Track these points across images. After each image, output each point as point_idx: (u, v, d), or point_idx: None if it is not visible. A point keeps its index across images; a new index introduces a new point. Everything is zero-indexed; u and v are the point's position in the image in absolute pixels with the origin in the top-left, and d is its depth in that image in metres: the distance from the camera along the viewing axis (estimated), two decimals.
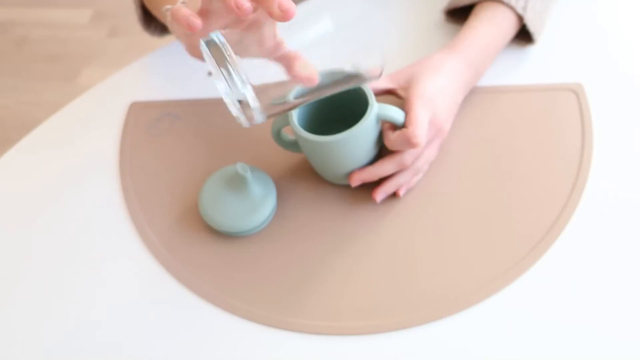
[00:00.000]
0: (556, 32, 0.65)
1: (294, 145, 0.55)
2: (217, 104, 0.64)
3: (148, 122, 0.63)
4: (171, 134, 0.62)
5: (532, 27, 0.60)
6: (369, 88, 0.51)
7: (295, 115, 0.51)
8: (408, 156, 0.52)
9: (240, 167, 0.51)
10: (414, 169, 0.53)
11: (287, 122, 0.51)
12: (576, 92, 0.55)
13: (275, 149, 0.58)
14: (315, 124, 0.53)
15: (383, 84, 0.55)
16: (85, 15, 1.90)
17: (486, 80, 0.59)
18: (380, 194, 0.54)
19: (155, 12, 0.64)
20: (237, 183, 0.52)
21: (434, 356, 0.46)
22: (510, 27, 0.60)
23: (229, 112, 0.62)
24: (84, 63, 1.77)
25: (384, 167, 0.52)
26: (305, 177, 0.57)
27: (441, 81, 0.54)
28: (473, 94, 0.59)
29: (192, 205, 0.56)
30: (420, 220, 0.53)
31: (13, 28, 1.90)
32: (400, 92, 0.55)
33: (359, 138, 0.50)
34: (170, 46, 0.70)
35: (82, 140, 0.63)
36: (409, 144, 0.49)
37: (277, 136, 0.54)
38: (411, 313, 0.48)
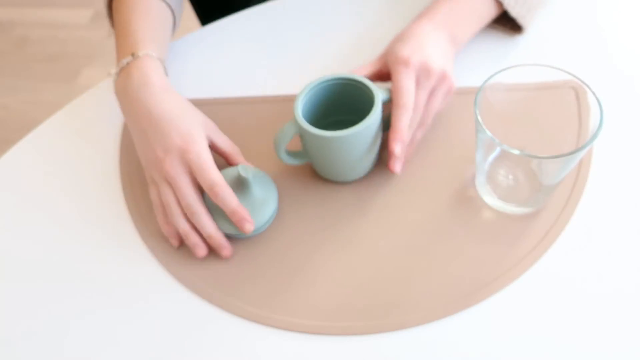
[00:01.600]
0: (556, 31, 0.65)
1: (298, 157, 0.55)
2: (217, 104, 0.64)
3: None
4: None
5: (513, 12, 0.61)
6: (369, 81, 0.52)
7: (300, 113, 0.51)
8: (416, 116, 0.53)
9: (241, 169, 0.51)
10: (417, 120, 0.54)
11: (289, 138, 0.51)
12: (575, 90, 0.55)
13: (273, 150, 0.58)
14: (318, 123, 0.54)
15: (368, 69, 0.56)
16: (85, 15, 1.91)
17: (481, 78, 0.59)
18: (398, 165, 0.53)
19: (116, 34, 0.63)
20: (239, 185, 0.52)
21: (434, 356, 0.46)
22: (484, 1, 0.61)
23: (228, 112, 0.63)
24: (84, 63, 1.77)
25: (403, 122, 0.52)
26: (304, 177, 0.57)
27: (416, 40, 0.55)
28: (470, 93, 0.59)
29: None
30: (421, 220, 0.53)
31: (13, 28, 1.90)
32: (386, 69, 0.56)
33: (371, 129, 0.51)
34: (170, 46, 0.70)
35: (82, 140, 0.63)
36: (405, 110, 0.51)
37: (283, 153, 0.54)
38: (411, 313, 0.48)
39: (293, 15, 0.72)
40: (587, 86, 0.48)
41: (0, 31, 1.89)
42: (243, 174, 0.51)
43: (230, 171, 0.54)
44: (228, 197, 0.50)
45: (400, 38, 0.56)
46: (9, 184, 0.61)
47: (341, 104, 0.54)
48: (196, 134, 0.52)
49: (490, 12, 0.62)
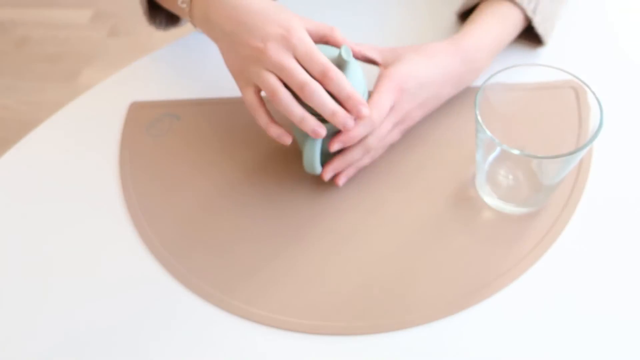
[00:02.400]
0: (556, 32, 0.65)
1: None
2: (217, 104, 0.64)
3: (148, 122, 0.63)
4: (171, 134, 0.62)
5: (541, 29, 0.60)
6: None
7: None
8: (372, 139, 0.52)
9: (344, 51, 0.47)
10: (365, 147, 0.52)
11: (319, 149, 0.51)
12: (575, 90, 0.55)
13: (275, 149, 0.58)
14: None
15: (370, 52, 0.55)
16: (85, 15, 1.91)
17: (481, 78, 0.59)
18: (342, 178, 0.54)
19: (163, 3, 0.63)
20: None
21: (434, 356, 0.46)
22: (515, 25, 0.59)
23: (228, 112, 0.63)
24: (84, 63, 1.77)
25: (353, 154, 0.52)
26: (305, 177, 0.57)
27: (426, 71, 0.53)
28: (470, 93, 0.59)
29: (192, 205, 0.56)
30: (421, 220, 0.53)
31: (13, 28, 1.90)
32: (381, 68, 0.54)
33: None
34: (170, 46, 0.71)
35: (82, 140, 0.63)
36: (369, 122, 0.49)
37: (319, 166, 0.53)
38: (411, 313, 0.48)
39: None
40: (587, 86, 0.48)
41: (0, 31, 1.89)
42: (345, 56, 0.47)
43: (327, 50, 0.50)
44: (343, 81, 0.46)
45: (414, 55, 0.54)
46: (9, 184, 0.61)
47: None
48: (295, 22, 0.49)
49: (517, 31, 0.61)
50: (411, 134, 0.58)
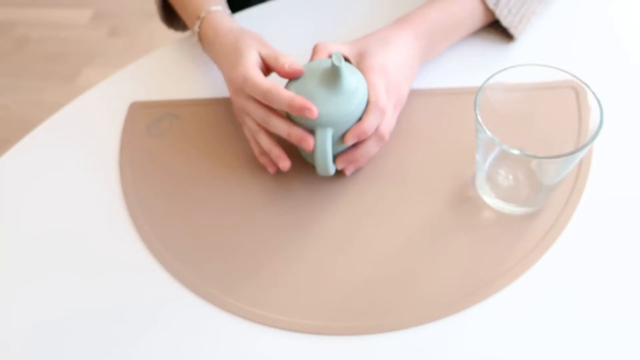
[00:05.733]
0: (556, 32, 0.65)
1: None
2: (217, 104, 0.64)
3: (148, 122, 0.63)
4: (171, 134, 0.62)
5: (507, 22, 0.62)
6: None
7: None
8: (384, 127, 0.54)
9: (335, 58, 0.49)
10: (378, 135, 0.54)
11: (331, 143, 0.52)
12: (575, 90, 0.55)
13: None
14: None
15: (342, 49, 0.56)
16: (85, 15, 1.91)
17: (481, 78, 0.60)
18: (352, 168, 0.55)
19: (178, 10, 0.66)
20: (329, 77, 0.51)
21: (433, 356, 0.46)
22: (471, 9, 0.61)
23: (228, 112, 0.63)
24: (84, 63, 1.77)
25: (368, 145, 0.54)
26: (304, 176, 0.57)
27: (392, 55, 0.56)
28: (470, 93, 0.59)
29: (192, 205, 0.56)
30: (421, 220, 0.53)
31: (13, 28, 1.90)
32: (353, 63, 0.56)
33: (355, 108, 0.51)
34: (170, 46, 0.71)
35: (82, 140, 0.63)
36: (379, 111, 0.51)
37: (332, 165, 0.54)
38: (411, 313, 0.48)
39: (293, 14, 0.72)
40: (587, 86, 0.48)
41: (0, 31, 1.89)
42: (336, 62, 0.49)
43: (314, 66, 0.53)
44: (281, 93, 0.50)
45: (375, 43, 0.56)
46: (9, 184, 0.61)
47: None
48: (244, 61, 0.54)
49: (480, 21, 0.63)
50: (411, 134, 0.59)
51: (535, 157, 0.45)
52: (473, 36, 0.65)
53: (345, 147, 0.53)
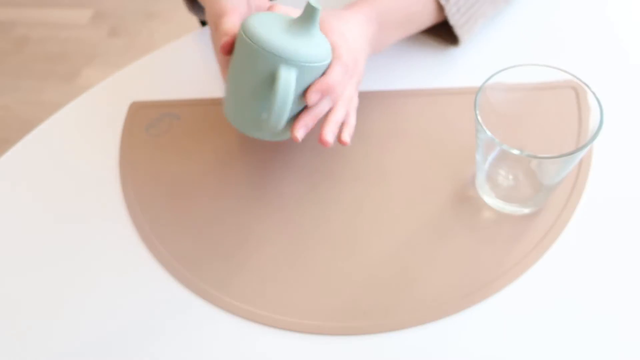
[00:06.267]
0: (556, 31, 0.65)
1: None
2: (217, 104, 0.64)
3: (148, 122, 0.63)
4: (171, 134, 0.62)
5: (454, 20, 0.60)
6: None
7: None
8: (342, 88, 0.50)
9: (313, 0, 0.46)
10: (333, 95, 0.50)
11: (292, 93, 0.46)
12: (575, 90, 0.55)
13: (276, 150, 0.58)
14: None
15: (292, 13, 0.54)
16: (85, 15, 1.91)
17: (481, 78, 0.60)
18: (302, 131, 0.49)
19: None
20: (302, 20, 0.47)
21: (433, 356, 0.46)
22: (427, 3, 0.59)
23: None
24: (84, 63, 1.77)
25: (321, 106, 0.50)
26: (305, 177, 0.57)
27: (349, 26, 0.54)
28: (470, 93, 0.59)
29: (192, 205, 0.56)
30: (421, 220, 0.53)
31: (13, 28, 1.90)
32: None
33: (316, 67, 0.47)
34: (170, 46, 0.70)
35: (82, 140, 0.63)
36: (344, 67, 0.49)
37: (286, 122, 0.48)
38: (411, 313, 0.48)
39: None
40: (587, 86, 0.48)
41: (0, 31, 1.89)
42: (314, 4, 0.45)
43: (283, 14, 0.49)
44: (222, 30, 0.48)
45: (335, 17, 0.54)
46: (9, 184, 0.61)
47: None
48: (222, 17, 0.50)
49: (432, 18, 0.61)
50: (411, 134, 0.58)
51: (535, 157, 0.45)
52: (473, 36, 0.65)
53: (297, 111, 0.49)
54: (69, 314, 0.51)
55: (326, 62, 0.48)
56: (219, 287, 0.51)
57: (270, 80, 0.46)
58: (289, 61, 0.45)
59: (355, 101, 0.54)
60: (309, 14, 0.46)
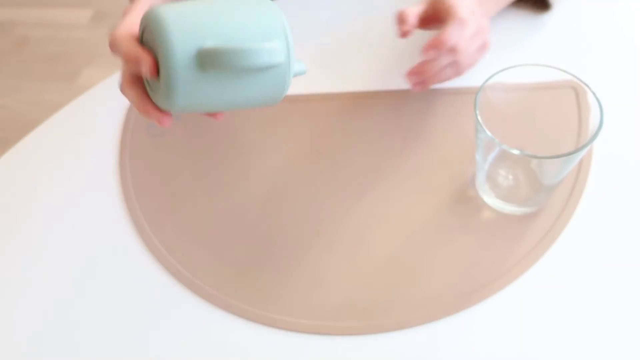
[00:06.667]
0: (556, 31, 0.65)
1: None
2: None
3: (148, 122, 0.63)
4: (171, 134, 0.62)
5: None
6: None
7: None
8: (462, 42, 0.52)
9: None
10: (453, 52, 0.53)
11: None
12: (575, 90, 0.55)
13: (276, 149, 0.58)
14: None
15: (420, 8, 0.56)
16: (85, 15, 1.90)
17: (481, 78, 0.60)
18: (418, 83, 0.55)
19: None
20: None
21: (433, 356, 0.46)
22: None
23: (228, 112, 0.63)
24: (84, 63, 1.77)
25: (439, 61, 0.53)
26: (306, 177, 0.57)
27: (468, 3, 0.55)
28: (470, 93, 0.59)
29: (191, 205, 0.56)
30: (421, 220, 0.53)
31: (13, 28, 1.90)
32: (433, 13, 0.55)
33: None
34: None
35: (82, 140, 0.63)
36: (460, 24, 0.51)
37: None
38: (411, 313, 0.48)
39: (292, 14, 0.72)
40: (587, 86, 0.48)
41: (0, 31, 1.89)
42: None
43: None
44: (122, 46, 0.43)
45: None
46: (9, 184, 0.61)
47: None
48: (117, 29, 0.46)
49: None
50: (411, 134, 0.58)
51: (535, 157, 0.45)
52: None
53: (239, 91, 0.42)
54: (67, 313, 0.51)
55: (264, 37, 0.41)
56: (218, 286, 0.51)
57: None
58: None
59: (475, 54, 0.55)
60: None
